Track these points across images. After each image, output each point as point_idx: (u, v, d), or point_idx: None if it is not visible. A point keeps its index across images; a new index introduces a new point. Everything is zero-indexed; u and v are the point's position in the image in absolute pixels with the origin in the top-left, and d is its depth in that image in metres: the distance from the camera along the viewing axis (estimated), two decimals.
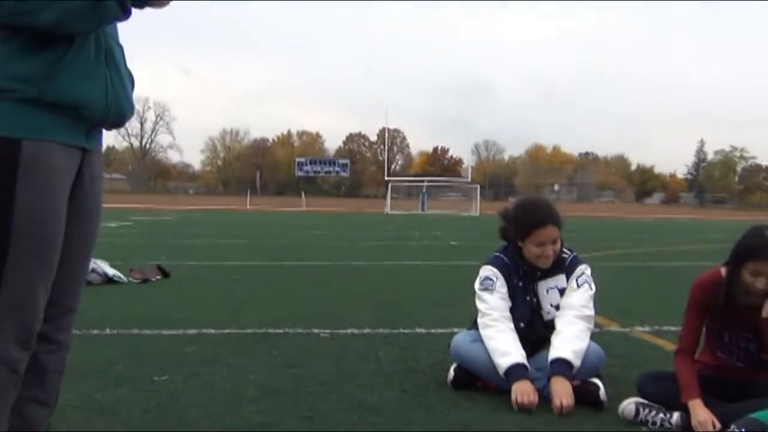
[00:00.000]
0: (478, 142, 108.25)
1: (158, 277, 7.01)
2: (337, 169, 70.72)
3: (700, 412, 2.64)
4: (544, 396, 2.95)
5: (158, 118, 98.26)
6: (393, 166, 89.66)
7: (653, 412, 2.73)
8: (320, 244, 13.48)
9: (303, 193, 52.48)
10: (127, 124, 3.16)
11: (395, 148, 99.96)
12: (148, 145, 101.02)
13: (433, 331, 4.59)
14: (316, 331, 4.49)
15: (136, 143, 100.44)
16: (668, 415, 2.71)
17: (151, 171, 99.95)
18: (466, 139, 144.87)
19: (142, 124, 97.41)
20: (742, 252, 2.67)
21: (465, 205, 45.37)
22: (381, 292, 6.55)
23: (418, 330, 4.62)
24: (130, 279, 6.72)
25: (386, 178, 48.47)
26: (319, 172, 72.03)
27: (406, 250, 12.39)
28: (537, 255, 3.17)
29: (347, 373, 3.43)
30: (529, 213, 3.20)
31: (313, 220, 26.65)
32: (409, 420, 2.74)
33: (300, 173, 69.40)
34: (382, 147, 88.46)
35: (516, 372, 2.99)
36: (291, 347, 4.01)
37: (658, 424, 2.70)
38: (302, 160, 70.16)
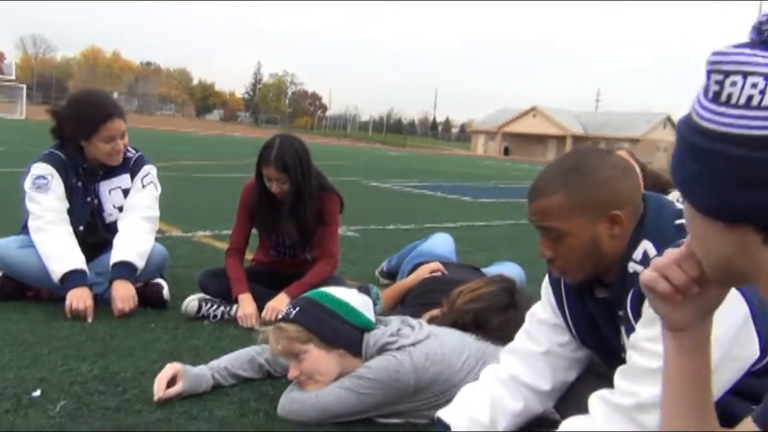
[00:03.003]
0: (24, 36, 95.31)
1: None
2: None
3: (247, 305, 2.85)
4: (105, 300, 2.82)
5: None
6: None
7: (215, 306, 2.86)
8: None
9: None
10: None
11: None
12: None
13: None
14: None
15: None
16: (228, 308, 2.87)
17: None
18: (10, 31, 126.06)
19: None
20: (257, 160, 2.94)
21: (8, 107, 39.71)
22: None
23: None
24: None
25: None
26: None
27: None
28: (108, 152, 2.96)
29: None
30: (94, 107, 2.93)
31: None
32: None
33: None
34: None
35: (73, 278, 2.78)
36: None
37: (219, 316, 2.84)
38: None
